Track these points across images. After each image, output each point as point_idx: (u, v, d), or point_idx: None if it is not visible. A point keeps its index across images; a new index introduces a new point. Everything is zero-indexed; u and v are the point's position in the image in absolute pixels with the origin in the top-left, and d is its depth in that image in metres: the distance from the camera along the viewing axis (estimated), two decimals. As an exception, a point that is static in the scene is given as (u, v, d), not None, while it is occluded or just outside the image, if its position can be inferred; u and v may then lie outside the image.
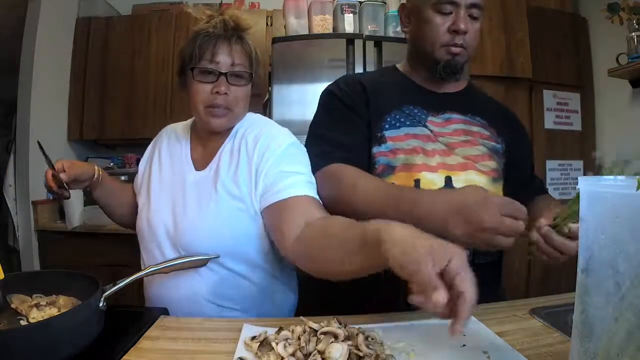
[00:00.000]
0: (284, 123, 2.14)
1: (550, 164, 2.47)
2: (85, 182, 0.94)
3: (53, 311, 0.69)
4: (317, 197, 0.81)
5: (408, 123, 0.90)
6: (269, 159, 0.83)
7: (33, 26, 2.36)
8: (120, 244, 2.26)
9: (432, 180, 0.85)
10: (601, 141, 2.60)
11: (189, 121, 1.02)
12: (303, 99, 1.95)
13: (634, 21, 2.10)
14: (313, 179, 0.84)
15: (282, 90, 1.99)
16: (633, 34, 2.11)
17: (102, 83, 2.65)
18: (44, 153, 0.93)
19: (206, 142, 0.93)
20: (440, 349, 0.60)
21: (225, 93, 0.84)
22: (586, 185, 0.45)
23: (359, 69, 1.98)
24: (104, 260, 2.25)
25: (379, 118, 0.90)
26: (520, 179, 0.98)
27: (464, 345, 0.61)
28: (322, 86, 1.84)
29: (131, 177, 2.71)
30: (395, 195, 0.75)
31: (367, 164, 0.89)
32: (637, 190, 0.38)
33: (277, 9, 2.50)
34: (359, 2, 2.18)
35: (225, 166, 0.87)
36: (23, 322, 0.67)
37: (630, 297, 0.39)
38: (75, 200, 2.34)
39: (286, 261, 0.88)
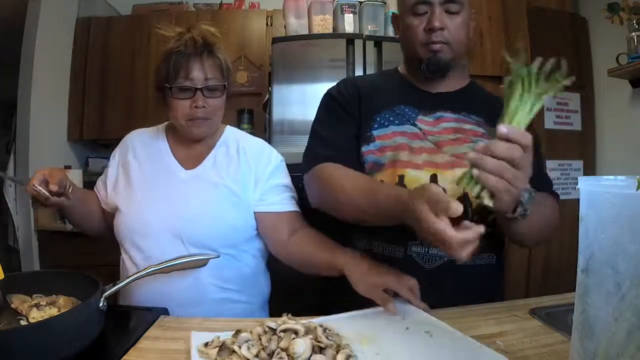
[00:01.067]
0: (284, 123, 2.13)
1: (550, 164, 2.47)
2: (67, 186, 0.90)
3: (53, 311, 0.69)
4: (298, 209, 1.02)
5: (397, 122, 0.92)
6: (267, 171, 1.00)
7: (33, 26, 2.36)
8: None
9: (417, 177, 0.87)
10: (601, 141, 2.60)
11: (161, 127, 1.09)
12: (303, 99, 1.95)
13: (634, 21, 2.10)
14: (295, 192, 1.03)
15: (282, 90, 1.99)
16: (633, 34, 2.11)
17: (102, 83, 2.65)
18: (12, 179, 0.92)
19: (190, 145, 1.03)
20: (387, 334, 0.67)
21: (203, 106, 0.94)
22: (586, 185, 0.45)
23: (359, 69, 1.98)
24: (104, 260, 2.24)
25: (369, 118, 0.94)
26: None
27: (407, 328, 0.69)
28: (322, 86, 1.84)
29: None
30: (374, 193, 0.78)
31: (357, 163, 0.92)
32: (637, 190, 0.38)
33: (277, 9, 2.50)
34: (359, 2, 2.18)
35: (224, 166, 0.99)
36: (23, 322, 0.67)
37: (630, 297, 0.39)
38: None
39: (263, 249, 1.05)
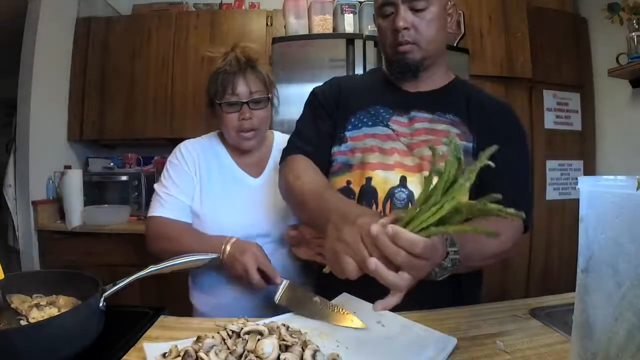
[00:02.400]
0: (283, 123, 2.14)
1: (550, 164, 2.48)
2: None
3: (53, 311, 0.69)
4: None
5: (370, 123, 0.92)
6: None
7: (33, 26, 2.36)
8: (120, 244, 2.26)
9: (386, 178, 0.86)
10: (601, 141, 2.60)
11: (213, 136, 1.17)
12: (303, 99, 1.92)
13: (634, 21, 2.10)
14: None
15: (282, 90, 1.95)
16: (633, 34, 2.11)
17: (102, 83, 2.65)
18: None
19: (248, 154, 1.12)
20: (341, 327, 0.70)
21: (250, 118, 1.04)
22: (586, 185, 0.45)
23: (359, 69, 1.98)
24: (104, 260, 2.25)
25: (345, 119, 0.94)
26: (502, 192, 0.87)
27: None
28: (322, 86, 1.80)
29: (131, 177, 2.71)
30: (321, 200, 0.74)
31: (328, 161, 0.94)
32: (637, 190, 0.38)
33: (277, 9, 2.50)
34: (359, 2, 2.18)
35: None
36: (23, 322, 0.67)
37: (630, 297, 0.39)
38: (75, 200, 2.35)
39: None
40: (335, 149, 0.93)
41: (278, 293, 0.85)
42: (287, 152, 0.94)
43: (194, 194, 1.07)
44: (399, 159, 0.87)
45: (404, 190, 0.86)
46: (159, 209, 1.05)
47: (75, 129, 2.67)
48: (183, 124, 2.55)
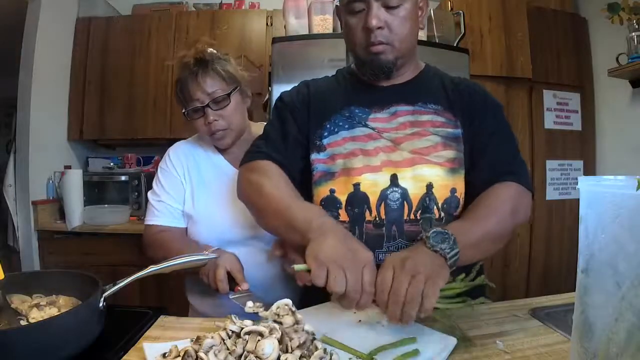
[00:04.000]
0: (284, 123, 2.11)
1: (550, 164, 2.48)
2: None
3: (53, 311, 0.69)
4: None
5: (347, 126, 0.87)
6: None
7: (33, 26, 2.36)
8: (120, 244, 2.26)
9: (375, 180, 0.82)
10: (601, 141, 2.60)
11: (198, 136, 1.15)
12: (303, 99, 1.94)
13: (634, 21, 2.10)
14: None
15: (281, 90, 1.98)
16: (633, 34, 2.11)
17: (102, 83, 2.65)
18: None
19: (233, 150, 1.10)
20: (342, 327, 0.69)
21: (216, 119, 1.01)
22: (586, 185, 0.45)
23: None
24: (104, 260, 2.25)
25: (319, 125, 0.89)
26: (490, 164, 0.85)
27: (360, 320, 0.71)
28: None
29: (131, 177, 2.71)
30: (286, 216, 0.74)
31: (298, 168, 0.88)
32: (637, 190, 0.38)
33: (277, 9, 2.50)
34: (359, 2, 2.18)
35: None
36: (23, 322, 0.67)
37: (630, 297, 0.39)
38: (75, 200, 2.35)
39: None
40: (313, 157, 0.88)
41: (236, 296, 0.85)
42: (251, 156, 0.88)
43: (185, 197, 1.08)
44: (386, 158, 0.83)
45: (396, 189, 0.82)
46: (151, 218, 1.07)
47: (75, 129, 2.67)
48: (183, 124, 2.54)
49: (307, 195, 0.86)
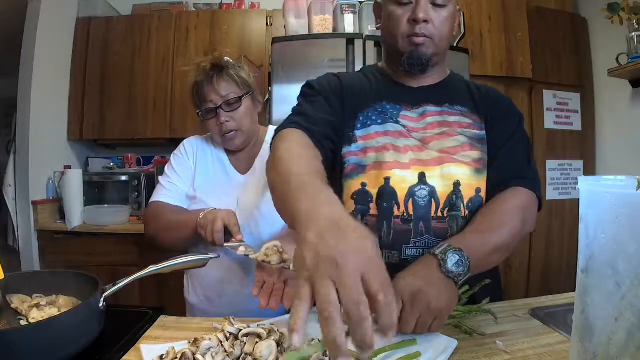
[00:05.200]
0: (283, 123, 2.11)
1: (550, 164, 2.48)
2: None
3: (53, 311, 0.69)
4: None
5: (379, 121, 0.89)
6: None
7: (33, 26, 2.36)
8: (120, 244, 2.26)
9: (404, 177, 0.84)
10: (601, 141, 2.60)
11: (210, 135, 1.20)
12: (303, 99, 1.94)
13: (634, 21, 2.10)
14: None
15: (282, 90, 1.99)
16: (633, 34, 2.11)
17: (102, 83, 2.65)
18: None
19: (240, 154, 1.17)
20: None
21: (227, 120, 1.08)
22: (586, 185, 0.45)
23: (359, 69, 1.98)
24: (104, 260, 2.25)
25: (352, 117, 0.90)
26: (504, 167, 0.87)
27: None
28: (322, 86, 1.79)
29: (131, 177, 2.71)
30: (290, 186, 0.57)
31: (328, 149, 0.84)
32: (637, 190, 0.38)
33: (277, 9, 2.50)
34: (359, 2, 2.18)
35: None
36: (23, 322, 0.67)
37: (630, 297, 0.39)
38: (75, 200, 2.34)
39: None
40: (345, 150, 0.89)
41: (229, 244, 0.90)
42: (280, 127, 0.84)
43: (190, 180, 1.15)
44: (414, 156, 0.85)
45: (424, 187, 0.84)
46: (158, 196, 1.13)
47: (75, 129, 2.67)
48: (183, 124, 2.55)
49: (335, 190, 0.72)
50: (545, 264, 2.44)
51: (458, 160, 0.85)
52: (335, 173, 0.89)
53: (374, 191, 0.85)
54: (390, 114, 0.90)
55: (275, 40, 2.04)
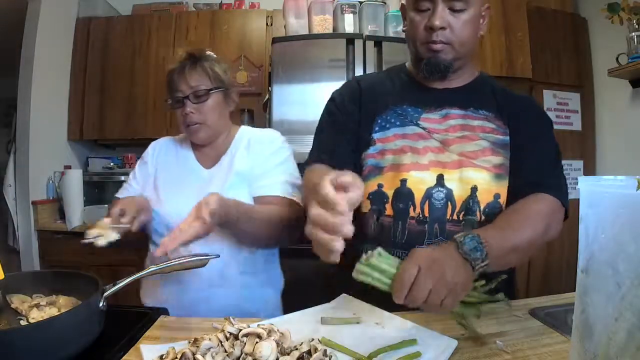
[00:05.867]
0: (283, 123, 2.13)
1: (550, 164, 2.47)
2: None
3: (53, 311, 0.69)
4: (289, 195, 1.03)
5: (398, 123, 0.90)
6: (264, 154, 1.08)
7: (33, 26, 2.36)
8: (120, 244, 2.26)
9: (422, 178, 0.85)
10: (601, 141, 2.60)
11: (183, 135, 1.20)
12: (303, 99, 1.95)
13: (634, 21, 2.10)
14: (291, 178, 1.05)
15: (282, 90, 1.99)
16: (633, 34, 2.11)
17: (102, 83, 2.65)
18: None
19: (208, 149, 1.14)
20: (342, 329, 0.69)
21: (192, 112, 1.05)
22: (586, 185, 0.45)
23: (359, 69, 1.98)
24: (104, 260, 2.25)
25: (371, 121, 0.91)
26: (528, 172, 0.86)
27: (357, 322, 0.72)
28: (322, 86, 1.83)
29: (131, 177, 2.68)
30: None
31: (352, 166, 0.90)
32: (637, 190, 0.38)
33: (277, 9, 2.50)
34: (359, 2, 2.18)
35: (237, 161, 1.08)
36: (23, 322, 0.67)
37: (630, 297, 0.39)
38: (75, 200, 2.34)
39: None
40: (364, 153, 0.90)
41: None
42: (306, 164, 0.92)
43: (148, 182, 1.15)
44: (434, 158, 0.85)
45: (441, 189, 0.84)
46: (118, 193, 1.19)
47: (75, 129, 2.67)
48: (183, 124, 2.55)
49: None
50: (545, 264, 2.43)
51: (477, 165, 0.85)
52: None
53: (390, 192, 0.87)
54: (410, 116, 0.90)
55: (275, 40, 2.04)
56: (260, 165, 1.07)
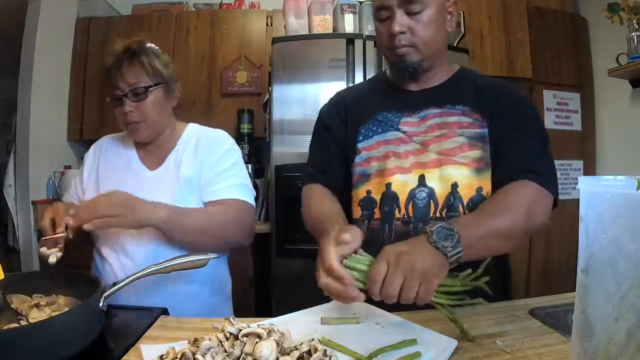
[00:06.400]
0: (284, 123, 2.13)
1: (550, 164, 2.47)
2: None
3: (53, 311, 0.69)
4: (243, 197, 1.03)
5: (380, 130, 0.93)
6: (214, 157, 1.04)
7: (33, 26, 2.36)
8: (120, 244, 2.26)
9: (405, 181, 0.88)
10: (601, 141, 2.60)
11: (125, 133, 1.16)
12: (303, 99, 1.95)
13: (634, 21, 2.10)
14: (244, 180, 1.06)
15: (282, 90, 1.99)
16: (633, 34, 2.11)
17: (102, 83, 2.65)
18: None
19: (152, 148, 1.10)
20: (342, 329, 0.70)
21: (131, 111, 1.02)
22: (586, 185, 0.45)
23: (358, 69, 1.97)
24: (104, 260, 2.24)
25: (355, 131, 0.96)
26: (511, 161, 0.85)
27: (357, 322, 0.72)
28: (322, 86, 1.83)
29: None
30: (319, 228, 0.83)
31: (342, 182, 0.97)
32: (637, 190, 0.38)
33: (277, 9, 2.50)
34: (359, 2, 2.18)
35: (184, 162, 1.05)
36: (23, 322, 0.67)
37: (630, 297, 0.39)
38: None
39: None
40: (352, 162, 0.95)
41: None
42: (303, 182, 1.00)
43: (89, 182, 1.12)
44: (415, 160, 0.88)
45: (423, 189, 0.87)
46: (64, 197, 1.19)
47: (75, 129, 2.66)
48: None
49: (349, 199, 0.96)
50: (545, 264, 2.43)
51: (457, 161, 0.86)
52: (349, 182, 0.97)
53: (377, 197, 0.90)
54: (391, 122, 0.93)
55: (275, 40, 2.04)
56: (210, 169, 1.04)
